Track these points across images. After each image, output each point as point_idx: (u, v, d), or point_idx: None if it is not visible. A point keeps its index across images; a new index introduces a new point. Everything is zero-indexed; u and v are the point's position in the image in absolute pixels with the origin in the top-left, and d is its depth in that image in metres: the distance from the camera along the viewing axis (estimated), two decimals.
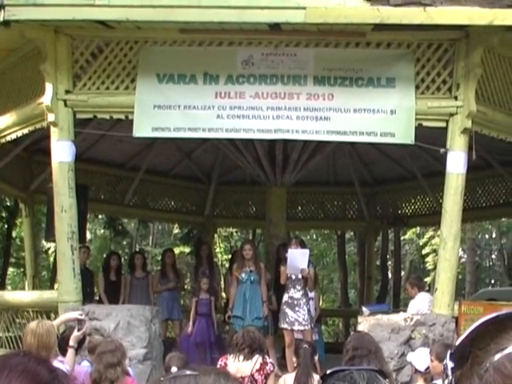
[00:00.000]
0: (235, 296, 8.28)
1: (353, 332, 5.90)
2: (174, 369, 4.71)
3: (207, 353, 8.61)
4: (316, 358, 5.57)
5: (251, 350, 5.41)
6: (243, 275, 8.22)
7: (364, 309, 7.53)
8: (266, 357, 5.61)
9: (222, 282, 12.05)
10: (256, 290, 8.25)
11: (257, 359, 5.41)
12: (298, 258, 7.70)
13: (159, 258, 21.59)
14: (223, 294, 10.42)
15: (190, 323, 8.80)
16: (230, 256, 14.97)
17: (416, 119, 7.00)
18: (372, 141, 7.42)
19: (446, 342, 5.40)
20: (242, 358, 5.40)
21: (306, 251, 7.87)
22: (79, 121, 7.67)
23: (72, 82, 7.29)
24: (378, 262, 15.79)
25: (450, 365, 1.06)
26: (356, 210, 14.03)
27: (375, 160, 12.64)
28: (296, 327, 7.66)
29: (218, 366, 5.33)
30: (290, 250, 7.75)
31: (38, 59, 7.32)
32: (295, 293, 7.77)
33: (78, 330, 5.28)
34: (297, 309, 7.71)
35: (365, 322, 6.86)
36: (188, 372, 1.17)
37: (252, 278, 8.22)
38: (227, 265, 14.92)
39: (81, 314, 5.74)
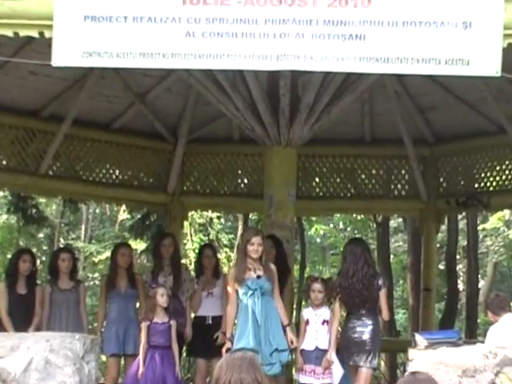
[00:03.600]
0: (239, 318, 8.33)
1: (405, 373, 5.91)
2: None
3: None
4: None
5: None
6: (249, 284, 8.25)
7: (419, 338, 7.57)
8: None
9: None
10: (271, 306, 8.33)
11: None
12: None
13: (97, 258, 21.65)
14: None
15: (140, 360, 8.92)
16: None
17: (504, 36, 6.94)
18: (433, 72, 7.45)
19: None
20: None
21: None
22: None
23: None
24: (441, 266, 15.84)
25: None
26: (406, 184, 14.07)
27: (437, 104, 12.66)
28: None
29: None
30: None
31: None
32: None
33: None
34: None
35: (420, 359, 6.88)
36: None
37: (264, 288, 8.26)
38: None
39: None
